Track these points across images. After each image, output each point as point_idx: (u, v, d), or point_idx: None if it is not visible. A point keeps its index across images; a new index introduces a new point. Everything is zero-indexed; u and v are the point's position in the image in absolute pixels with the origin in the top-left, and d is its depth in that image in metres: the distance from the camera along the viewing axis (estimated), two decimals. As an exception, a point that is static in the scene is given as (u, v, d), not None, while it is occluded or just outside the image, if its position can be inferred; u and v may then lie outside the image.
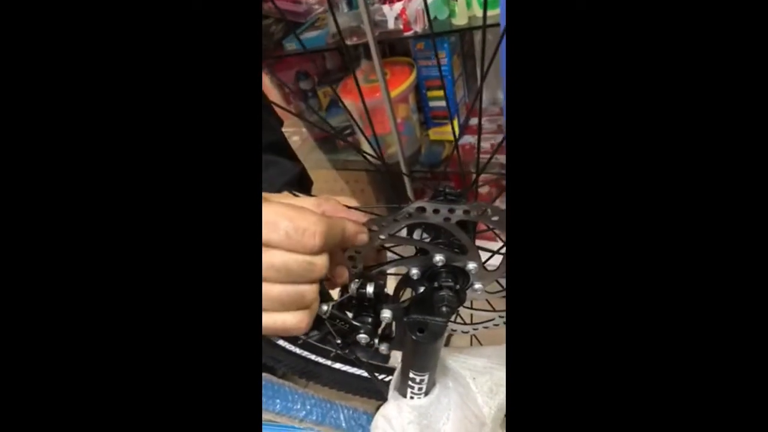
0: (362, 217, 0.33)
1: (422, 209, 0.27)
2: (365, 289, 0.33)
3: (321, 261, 0.27)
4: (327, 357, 0.60)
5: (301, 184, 0.47)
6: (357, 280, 0.34)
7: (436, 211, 0.27)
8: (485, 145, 1.14)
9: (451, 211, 0.27)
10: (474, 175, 0.34)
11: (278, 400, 0.70)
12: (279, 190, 0.39)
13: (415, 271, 0.32)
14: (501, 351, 0.41)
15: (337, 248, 0.30)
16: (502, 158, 1.08)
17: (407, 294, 0.36)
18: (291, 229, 0.25)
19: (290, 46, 1.11)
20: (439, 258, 0.31)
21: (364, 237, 0.31)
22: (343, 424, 0.73)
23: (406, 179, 1.11)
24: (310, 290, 0.28)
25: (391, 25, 0.91)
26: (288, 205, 0.26)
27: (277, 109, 0.64)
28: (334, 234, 0.28)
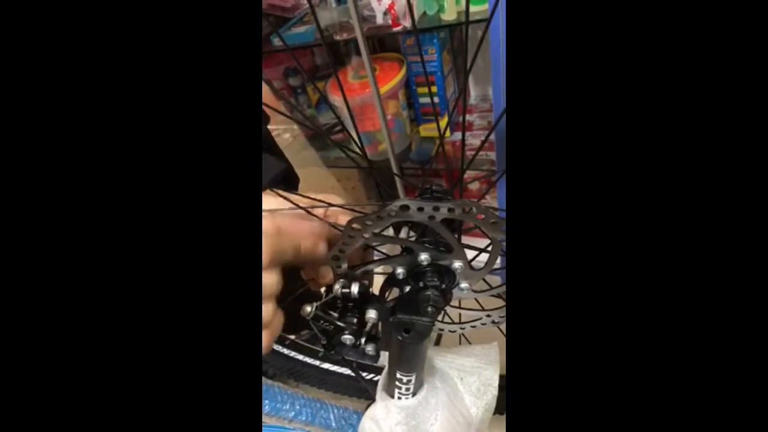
0: (322, 226, 0.33)
1: (406, 207, 0.26)
2: (350, 288, 0.32)
3: (268, 279, 0.27)
4: (315, 357, 0.59)
5: (287, 181, 0.46)
6: (341, 279, 0.33)
7: (420, 209, 0.26)
8: (476, 141, 1.14)
9: (436, 209, 0.26)
10: (461, 171, 0.34)
11: (267, 401, 0.69)
12: (264, 188, 0.38)
13: (400, 271, 0.31)
14: (489, 350, 0.41)
15: (292, 263, 0.31)
16: (492, 155, 1.07)
17: (394, 293, 0.36)
18: None
19: (278, 41, 1.10)
20: (424, 257, 0.30)
21: (322, 248, 0.31)
22: (333, 424, 0.72)
23: (396, 176, 1.10)
24: (264, 310, 0.28)
25: (379, 20, 0.90)
26: None
27: (265, 107, 0.63)
28: (283, 250, 0.28)
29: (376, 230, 0.29)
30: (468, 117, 1.23)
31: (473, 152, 0.38)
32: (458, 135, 1.20)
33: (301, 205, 0.33)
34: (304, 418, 0.71)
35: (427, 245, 0.30)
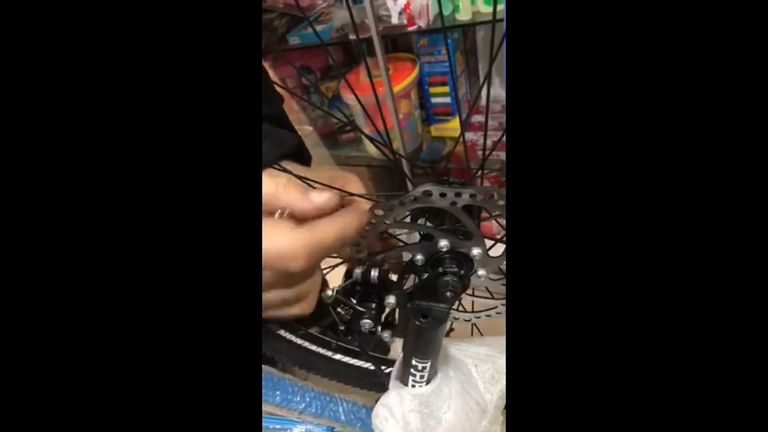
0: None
1: (428, 193, 0.27)
2: (370, 274, 0.33)
3: (310, 280, 0.29)
4: (328, 348, 0.60)
5: (300, 156, 0.45)
6: (361, 265, 0.34)
7: (442, 195, 0.27)
8: (487, 142, 1.14)
9: (458, 194, 0.27)
10: (475, 170, 0.34)
11: (278, 392, 0.70)
12: (276, 160, 0.38)
13: (419, 257, 0.32)
14: (503, 341, 0.41)
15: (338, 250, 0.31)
16: (503, 155, 1.08)
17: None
18: (274, 265, 0.26)
19: (294, 40, 1.11)
20: (443, 243, 0.31)
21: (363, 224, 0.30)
22: (342, 417, 0.73)
23: (407, 173, 1.11)
24: (308, 284, 0.30)
25: (395, 19, 0.91)
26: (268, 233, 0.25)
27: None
28: (324, 248, 0.27)
29: (397, 217, 0.30)
30: (479, 118, 1.24)
31: (483, 171, 0.38)
32: (467, 135, 1.21)
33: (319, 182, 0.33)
34: (313, 410, 0.72)
35: (447, 232, 0.31)
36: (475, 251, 0.31)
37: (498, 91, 1.24)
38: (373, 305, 0.34)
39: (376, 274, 0.33)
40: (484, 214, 0.33)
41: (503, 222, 0.32)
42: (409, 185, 1.13)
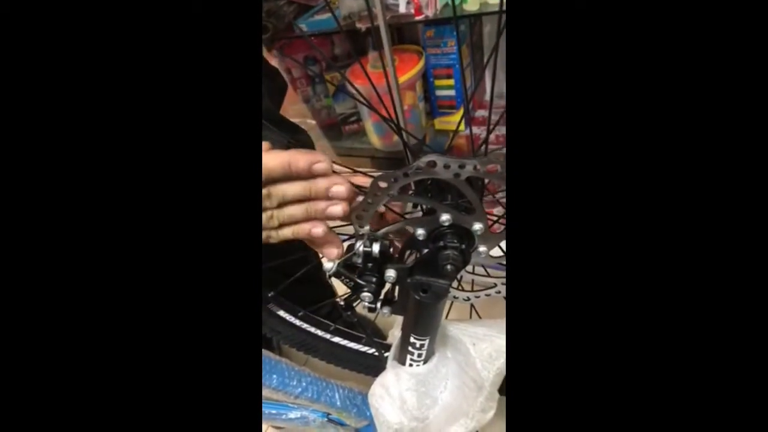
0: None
1: (433, 164, 0.27)
2: (371, 248, 0.33)
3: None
4: (326, 330, 0.60)
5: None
6: (363, 239, 0.34)
7: (446, 166, 0.27)
8: (491, 136, 1.14)
9: (462, 166, 0.27)
10: (480, 144, 0.34)
11: (275, 376, 0.70)
12: None
13: (420, 232, 0.32)
14: (501, 322, 0.42)
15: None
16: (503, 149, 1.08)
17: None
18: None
19: (302, 27, 1.11)
20: (445, 218, 0.31)
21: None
22: (338, 403, 0.73)
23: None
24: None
25: (402, 9, 0.91)
26: None
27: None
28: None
29: (401, 188, 0.30)
30: (483, 113, 1.24)
31: (486, 146, 0.38)
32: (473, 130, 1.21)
33: None
34: (310, 395, 0.72)
35: (450, 206, 0.31)
36: (477, 226, 0.31)
37: (503, 87, 1.24)
38: (374, 279, 0.34)
39: (378, 247, 0.33)
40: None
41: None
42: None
